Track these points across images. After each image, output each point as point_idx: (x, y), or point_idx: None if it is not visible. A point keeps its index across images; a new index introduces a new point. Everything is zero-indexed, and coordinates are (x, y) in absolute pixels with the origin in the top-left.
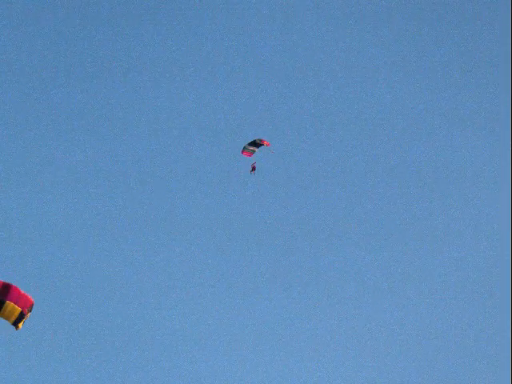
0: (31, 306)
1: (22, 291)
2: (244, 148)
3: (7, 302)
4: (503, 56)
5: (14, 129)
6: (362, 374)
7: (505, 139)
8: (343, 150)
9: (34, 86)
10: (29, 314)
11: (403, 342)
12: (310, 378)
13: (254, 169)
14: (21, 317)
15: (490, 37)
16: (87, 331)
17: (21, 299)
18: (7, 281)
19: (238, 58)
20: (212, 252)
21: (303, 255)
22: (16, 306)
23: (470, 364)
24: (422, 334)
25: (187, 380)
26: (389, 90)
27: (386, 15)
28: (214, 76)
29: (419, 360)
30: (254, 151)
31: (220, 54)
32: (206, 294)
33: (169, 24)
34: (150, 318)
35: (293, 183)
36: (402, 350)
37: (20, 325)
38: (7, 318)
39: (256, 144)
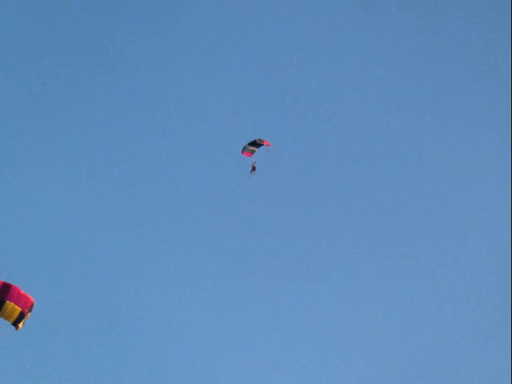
0: (31, 305)
1: (22, 291)
2: (244, 148)
3: (7, 302)
4: (504, 51)
5: (11, 122)
6: (361, 369)
7: (506, 134)
8: (343, 145)
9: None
10: (29, 314)
11: (404, 338)
12: (309, 372)
13: (253, 169)
14: (21, 317)
15: (491, 33)
16: (87, 330)
17: (21, 299)
18: (7, 281)
19: (238, 57)
20: (212, 249)
21: (302, 252)
22: (16, 306)
23: (469, 362)
24: (425, 331)
25: (186, 374)
26: (391, 87)
27: (388, 9)
28: (214, 74)
29: (421, 357)
30: (254, 151)
31: (220, 52)
32: (205, 291)
33: (169, 21)
34: (148, 313)
35: (292, 182)
36: (403, 346)
37: (20, 325)
38: (7, 318)
39: (256, 144)
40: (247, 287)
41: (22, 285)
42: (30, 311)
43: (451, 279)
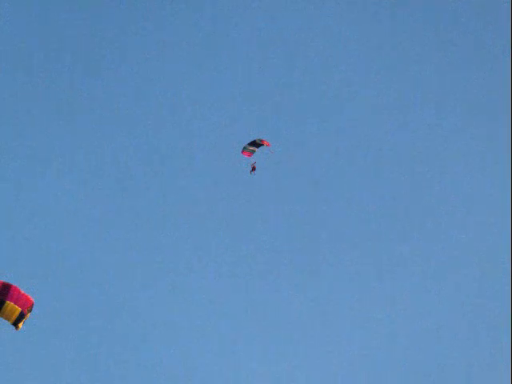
0: (31, 305)
1: (22, 291)
2: (244, 148)
3: (7, 301)
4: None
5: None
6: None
7: (506, 135)
8: (343, 145)
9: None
10: (29, 314)
11: (403, 338)
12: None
13: (253, 169)
14: (21, 317)
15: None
16: (86, 330)
17: (21, 299)
18: (7, 281)
19: (239, 56)
20: (211, 250)
21: (302, 254)
22: (16, 306)
23: (469, 362)
24: (425, 331)
25: (188, 375)
26: (392, 87)
27: (387, 9)
28: (214, 74)
29: (422, 356)
30: (253, 151)
31: (220, 51)
32: (204, 293)
33: (168, 20)
34: (149, 312)
35: (293, 183)
36: (402, 346)
37: (20, 325)
38: (7, 318)
39: (256, 144)
40: (246, 287)
41: (22, 285)
42: (30, 311)
43: (449, 277)
